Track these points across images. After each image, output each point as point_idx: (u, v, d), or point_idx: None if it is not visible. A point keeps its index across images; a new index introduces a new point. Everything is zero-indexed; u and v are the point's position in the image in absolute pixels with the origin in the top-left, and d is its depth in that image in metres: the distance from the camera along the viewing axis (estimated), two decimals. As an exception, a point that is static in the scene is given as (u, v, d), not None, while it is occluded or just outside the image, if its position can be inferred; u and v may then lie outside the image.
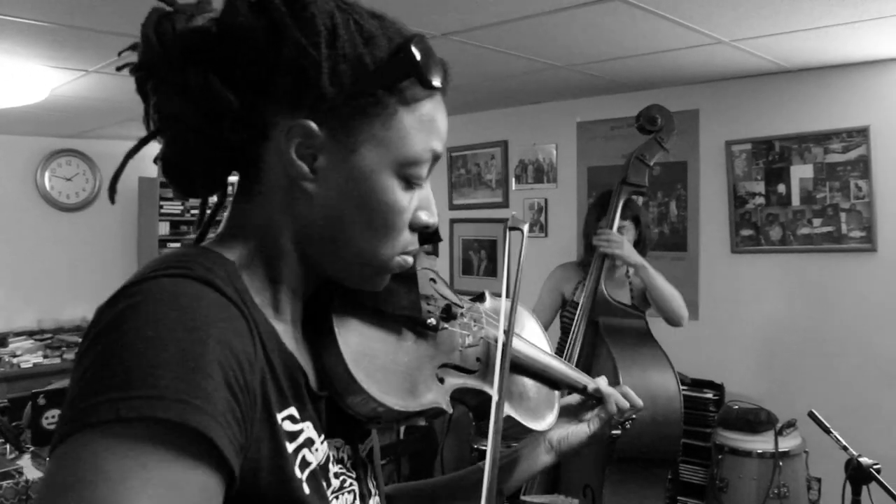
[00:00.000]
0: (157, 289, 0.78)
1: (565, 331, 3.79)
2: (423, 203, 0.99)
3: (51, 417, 3.71)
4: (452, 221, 6.15)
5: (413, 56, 0.89)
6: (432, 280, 1.17)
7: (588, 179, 5.25)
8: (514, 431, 1.26)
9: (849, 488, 2.62)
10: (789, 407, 4.10)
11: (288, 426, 0.88)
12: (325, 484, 0.95)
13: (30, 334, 6.54)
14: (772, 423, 4.03)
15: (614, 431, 1.51)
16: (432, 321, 1.09)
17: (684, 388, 4.42)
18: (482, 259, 5.93)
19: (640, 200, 4.74)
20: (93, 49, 3.63)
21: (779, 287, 4.40)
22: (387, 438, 5.18)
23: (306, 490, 0.88)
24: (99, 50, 3.64)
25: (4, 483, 3.41)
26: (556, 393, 1.37)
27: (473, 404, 1.20)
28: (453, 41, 3.57)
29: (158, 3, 0.91)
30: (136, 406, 0.69)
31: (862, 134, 4.01)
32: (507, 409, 1.20)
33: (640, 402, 1.43)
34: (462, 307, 1.20)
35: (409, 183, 0.94)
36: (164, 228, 7.08)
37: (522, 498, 3.19)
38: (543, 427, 1.26)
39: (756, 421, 4.05)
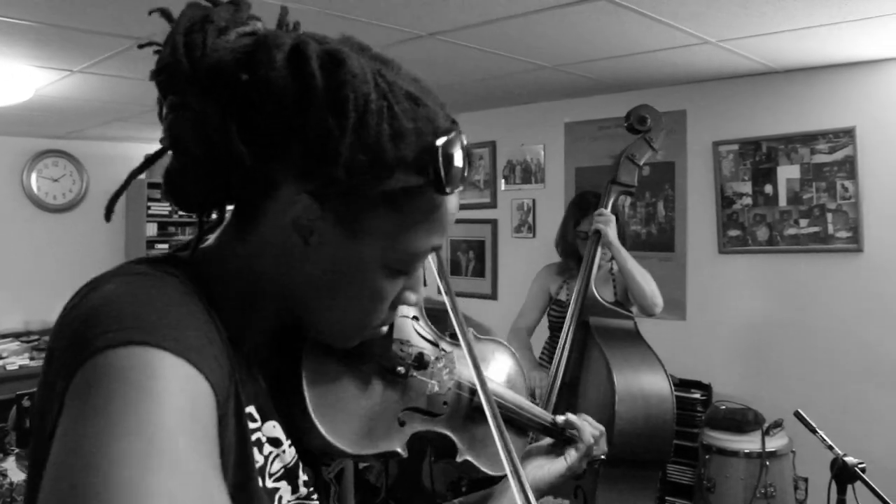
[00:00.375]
0: (125, 280, 0.81)
1: (554, 328, 3.79)
2: (411, 284, 0.98)
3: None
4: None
5: (437, 164, 0.86)
6: (414, 318, 1.17)
7: (576, 180, 5.25)
8: (474, 476, 1.26)
9: (834, 487, 2.63)
10: (776, 407, 4.10)
11: (248, 421, 0.89)
12: (290, 487, 0.96)
13: (16, 336, 6.50)
14: (759, 423, 4.03)
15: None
16: (401, 369, 1.09)
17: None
18: (470, 259, 5.93)
19: (628, 200, 4.76)
20: (78, 49, 3.62)
21: (766, 287, 4.41)
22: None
23: (257, 482, 0.88)
24: (84, 49, 3.63)
25: (-12, 485, 3.39)
26: (525, 440, 1.38)
27: (435, 445, 1.21)
28: (440, 41, 3.56)
29: None
30: (133, 335, 0.71)
31: (848, 134, 4.02)
32: (467, 456, 1.20)
33: (602, 429, 1.43)
34: (436, 353, 1.19)
35: (400, 273, 0.94)
36: (151, 229, 7.05)
37: None
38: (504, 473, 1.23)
39: (743, 421, 4.05)
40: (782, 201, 4.28)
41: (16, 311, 6.65)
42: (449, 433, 1.18)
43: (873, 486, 2.50)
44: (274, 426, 0.95)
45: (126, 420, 0.66)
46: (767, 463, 3.84)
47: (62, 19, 3.14)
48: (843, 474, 2.58)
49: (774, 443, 3.94)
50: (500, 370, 1.39)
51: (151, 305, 0.76)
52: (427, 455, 5.27)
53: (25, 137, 6.81)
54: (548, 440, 1.41)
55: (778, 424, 4.03)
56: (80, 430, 0.67)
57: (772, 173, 4.31)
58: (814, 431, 2.72)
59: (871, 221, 4.02)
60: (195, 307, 0.82)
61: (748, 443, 3.95)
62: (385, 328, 1.02)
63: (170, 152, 0.89)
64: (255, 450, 0.90)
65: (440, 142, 0.86)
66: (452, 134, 0.88)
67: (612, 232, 3.32)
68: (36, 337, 6.48)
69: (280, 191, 0.86)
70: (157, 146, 0.92)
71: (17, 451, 3.70)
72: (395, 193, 0.86)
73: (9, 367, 5.82)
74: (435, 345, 1.20)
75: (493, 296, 5.76)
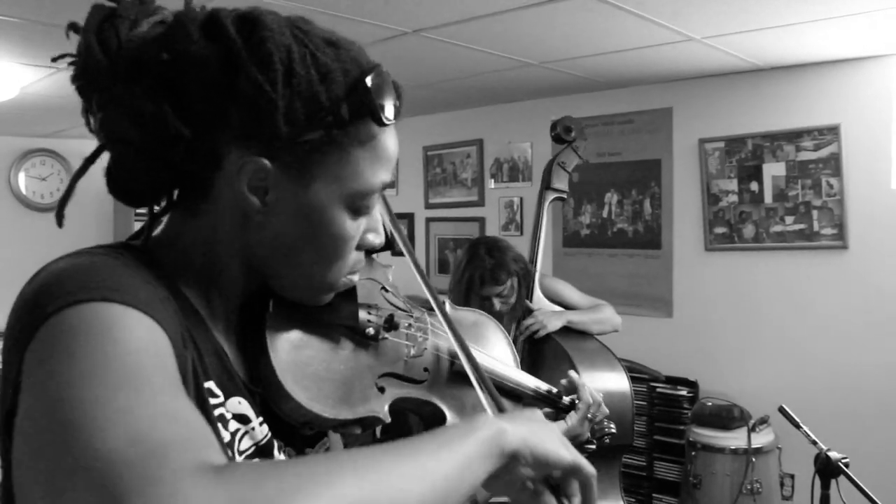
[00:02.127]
0: (73, 258, 0.83)
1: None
2: (371, 225, 1.00)
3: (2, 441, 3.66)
4: (428, 220, 6.14)
5: (369, 95, 0.89)
6: (383, 289, 1.18)
7: (563, 178, 5.25)
8: None
9: (818, 482, 2.64)
10: (762, 403, 4.12)
11: (208, 397, 0.89)
12: None
13: (2, 335, 6.47)
14: (745, 420, 4.05)
15: (589, 446, 1.51)
16: (371, 331, 1.09)
17: (659, 385, 4.46)
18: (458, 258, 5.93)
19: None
20: (63, 46, 3.59)
21: (752, 284, 4.42)
22: (364, 438, 5.16)
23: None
24: (69, 47, 3.60)
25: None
26: (519, 406, 1.35)
27: (422, 414, 1.19)
28: (426, 38, 3.56)
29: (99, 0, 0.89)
30: (81, 295, 0.74)
31: (833, 132, 4.03)
32: (457, 421, 1.19)
33: (598, 397, 1.44)
34: (409, 317, 1.18)
35: (359, 212, 0.96)
36: (139, 227, 7.03)
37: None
38: None
39: (729, 417, 4.07)
40: (768, 199, 4.29)
41: (2, 310, 6.61)
42: (434, 400, 1.16)
43: (857, 480, 2.51)
44: (239, 402, 0.95)
45: (90, 361, 0.68)
46: (754, 459, 3.86)
47: (47, 16, 3.13)
48: (827, 469, 2.59)
49: (760, 439, 3.96)
50: (482, 337, 1.37)
51: (97, 272, 0.79)
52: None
53: (12, 136, 6.79)
54: (545, 410, 1.40)
55: (764, 421, 4.05)
56: (46, 381, 0.69)
57: (757, 171, 4.32)
58: (798, 426, 2.73)
59: (855, 218, 4.03)
60: (143, 277, 0.84)
61: (734, 439, 3.97)
62: (355, 277, 1.03)
63: (106, 153, 0.92)
64: (220, 426, 0.90)
65: (368, 76, 0.90)
66: (378, 68, 0.92)
67: (556, 323, 3.17)
68: (23, 336, 6.46)
69: (226, 159, 0.88)
70: None
71: None
72: (335, 134, 0.89)
73: (-5, 367, 5.80)
74: (406, 311, 1.20)
75: (481, 294, 5.75)
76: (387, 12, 3.18)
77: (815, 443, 2.65)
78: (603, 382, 3.02)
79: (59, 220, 0.96)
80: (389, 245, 1.09)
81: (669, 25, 3.35)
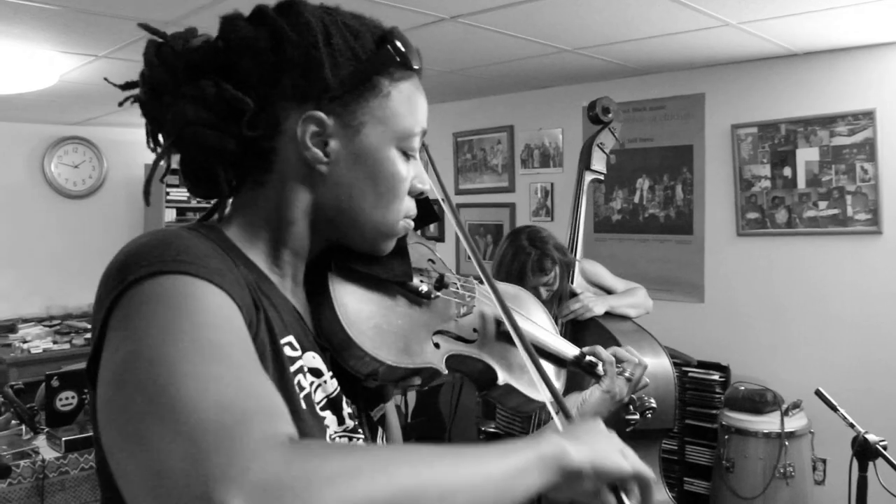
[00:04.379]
0: (153, 234, 0.91)
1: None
2: (417, 172, 1.12)
3: (64, 399, 3.74)
4: (458, 206, 6.17)
5: (396, 44, 1.04)
6: (431, 261, 1.27)
7: (594, 164, 5.26)
8: (518, 404, 1.31)
9: (855, 465, 2.66)
10: (795, 388, 4.13)
11: (288, 351, 0.98)
12: (336, 418, 1.04)
13: (38, 321, 6.57)
14: (777, 404, 4.06)
15: (631, 417, 1.55)
16: (423, 288, 1.17)
17: (691, 369, 4.47)
18: (488, 244, 5.95)
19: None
20: (103, 34, 3.65)
21: (784, 269, 4.42)
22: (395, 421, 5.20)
23: (304, 408, 0.97)
24: (109, 35, 3.66)
25: (22, 462, 3.45)
26: (563, 371, 1.43)
27: (475, 375, 1.27)
28: (462, 24, 3.58)
29: (151, 36, 1.02)
30: (160, 267, 0.83)
31: (868, 117, 4.03)
32: (508, 380, 1.26)
33: (644, 361, 1.49)
34: (457, 280, 1.27)
35: (406, 154, 1.09)
36: (170, 215, 7.08)
37: None
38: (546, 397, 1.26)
39: (762, 401, 4.08)
40: (801, 184, 4.29)
41: (37, 297, 6.73)
42: (484, 359, 1.24)
43: (895, 463, 2.53)
44: (314, 357, 1.04)
45: (175, 329, 0.76)
46: (786, 443, 3.88)
47: (90, 4, 3.18)
48: (865, 451, 2.62)
49: (793, 423, 3.97)
50: (522, 306, 1.44)
51: (174, 245, 0.87)
52: (446, 433, 5.33)
53: (45, 124, 6.87)
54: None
55: (797, 405, 4.06)
56: (131, 340, 0.77)
57: (791, 156, 4.32)
58: (835, 409, 2.75)
59: (890, 203, 4.02)
60: (215, 248, 0.92)
61: (767, 423, 3.98)
62: (410, 223, 1.13)
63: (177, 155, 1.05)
64: (301, 376, 0.99)
65: (391, 30, 1.07)
66: (396, 27, 1.08)
67: (602, 307, 3.21)
68: (57, 322, 6.55)
69: (286, 123, 1.01)
70: None
71: (46, 430, 3.76)
72: (374, 80, 1.03)
73: (33, 351, 5.89)
74: (454, 275, 1.29)
75: (510, 279, 5.78)
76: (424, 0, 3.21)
77: (852, 426, 2.67)
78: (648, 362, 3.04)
79: (147, 198, 1.08)
80: (434, 213, 1.21)
81: (706, 10, 3.35)
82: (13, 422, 3.89)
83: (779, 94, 4.37)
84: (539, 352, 1.28)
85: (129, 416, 0.70)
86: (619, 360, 1.48)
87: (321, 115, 1.00)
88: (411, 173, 1.10)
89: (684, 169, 4.80)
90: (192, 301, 0.80)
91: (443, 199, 1.22)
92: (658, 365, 3.10)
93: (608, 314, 3.15)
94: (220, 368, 0.73)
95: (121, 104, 1.09)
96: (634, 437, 3.03)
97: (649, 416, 1.52)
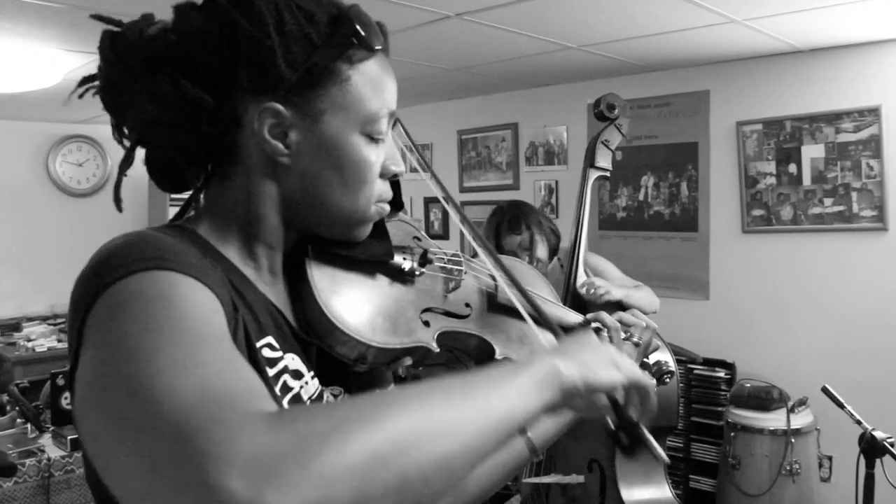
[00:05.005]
0: (126, 235, 0.89)
1: None
2: (389, 155, 1.09)
3: (70, 398, 3.74)
4: (463, 203, 6.17)
5: (353, 24, 1.00)
6: (416, 238, 1.24)
7: (598, 161, 5.25)
8: None
9: (862, 462, 2.65)
10: (800, 385, 4.13)
11: (267, 353, 0.96)
12: None
13: (43, 319, 6.58)
14: (783, 401, 4.06)
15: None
16: (407, 265, 1.15)
17: (696, 367, 4.47)
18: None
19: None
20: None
21: (790, 266, 4.42)
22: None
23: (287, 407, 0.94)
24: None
25: (27, 461, 3.45)
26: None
27: (472, 351, 1.24)
28: (467, 21, 3.58)
29: (105, 26, 1.00)
30: (137, 266, 0.81)
31: (874, 113, 4.02)
32: (507, 353, 1.22)
33: (652, 324, 1.45)
34: (443, 255, 1.24)
35: (372, 139, 1.04)
36: (174, 213, 7.08)
37: (524, 480, 3.21)
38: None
39: (768, 399, 4.08)
40: (806, 181, 4.28)
41: (42, 295, 6.73)
42: (480, 333, 1.21)
43: (902, 459, 2.53)
44: (293, 358, 1.02)
45: (153, 321, 0.75)
46: (792, 440, 3.87)
47: (95, 3, 3.17)
48: (872, 448, 2.61)
49: (799, 420, 3.96)
50: (519, 274, 1.39)
51: (149, 244, 0.85)
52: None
53: (49, 122, 6.87)
54: None
55: (802, 402, 4.06)
56: (109, 339, 0.75)
57: (796, 153, 4.31)
58: (841, 406, 2.74)
59: (896, 200, 4.02)
60: (190, 248, 0.90)
61: (773, 420, 3.97)
62: (385, 207, 1.11)
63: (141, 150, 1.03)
64: (287, 377, 0.98)
65: (348, 8, 1.02)
66: (356, 5, 1.03)
67: (614, 290, 3.23)
68: (62, 320, 6.55)
69: (245, 117, 0.98)
70: None
71: (52, 428, 3.77)
72: (331, 66, 0.99)
73: (38, 350, 5.90)
74: (440, 250, 1.26)
75: (515, 277, 5.77)
76: (429, -4, 3.21)
77: (859, 422, 2.66)
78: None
79: (118, 205, 1.06)
80: (399, 199, 1.16)
81: (712, 7, 3.34)
82: (18, 420, 3.90)
83: (784, 90, 4.36)
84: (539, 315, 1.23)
85: (112, 415, 0.69)
86: (625, 325, 1.44)
87: (278, 106, 0.97)
88: (381, 156, 1.07)
89: (689, 166, 4.79)
90: (169, 292, 0.79)
91: (430, 177, 1.21)
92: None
93: (615, 310, 3.14)
94: (198, 355, 0.72)
95: (80, 97, 1.06)
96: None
97: (667, 380, 1.49)
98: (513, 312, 1.23)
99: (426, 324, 1.13)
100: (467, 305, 1.22)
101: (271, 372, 0.95)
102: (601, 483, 3.13)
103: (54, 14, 3.34)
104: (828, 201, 4.22)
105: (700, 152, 4.74)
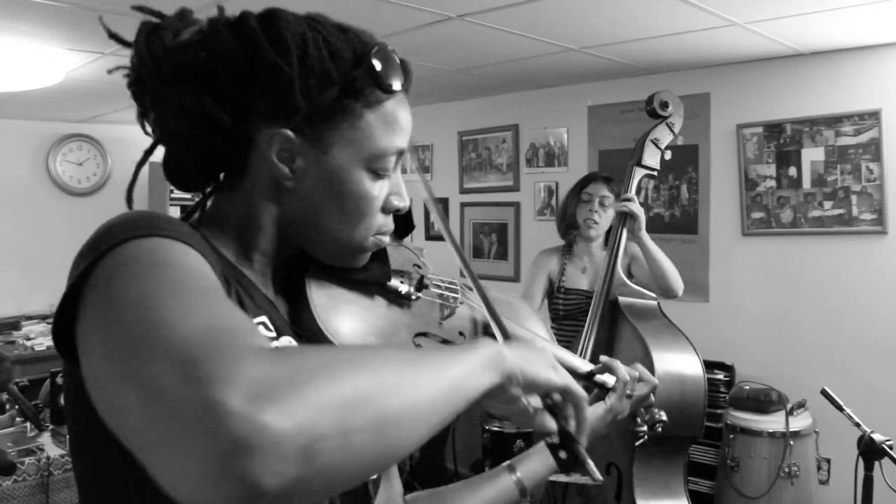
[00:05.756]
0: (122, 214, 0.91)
1: (562, 317, 3.83)
2: (394, 189, 1.11)
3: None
4: (463, 205, 6.18)
5: (372, 66, 1.02)
6: (416, 266, 1.26)
7: (599, 163, 5.27)
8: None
9: (861, 464, 2.66)
10: (799, 387, 4.13)
11: (262, 331, 0.98)
12: None
13: (42, 318, 6.58)
14: (782, 404, 4.06)
15: (640, 429, 1.52)
16: (403, 289, 1.17)
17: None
18: (493, 243, 5.96)
19: (651, 184, 4.78)
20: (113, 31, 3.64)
21: (789, 269, 4.42)
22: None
23: None
24: (116, 31, 3.65)
25: (27, 460, 3.45)
26: None
27: None
28: (468, 23, 3.59)
29: (146, 17, 1.02)
30: (135, 232, 0.83)
31: (874, 117, 4.02)
32: None
33: (654, 380, 1.44)
34: (441, 283, 1.26)
35: (378, 174, 1.07)
36: (174, 213, 7.09)
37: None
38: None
39: (767, 401, 4.08)
40: (806, 184, 4.29)
41: (41, 294, 6.72)
42: None
43: (901, 462, 2.54)
44: (290, 341, 1.04)
45: (151, 276, 0.78)
46: (791, 443, 3.87)
47: (98, 2, 3.18)
48: (871, 451, 2.62)
49: (798, 423, 3.97)
50: (514, 313, 1.39)
51: (145, 217, 0.87)
52: (450, 434, 5.33)
53: (50, 122, 6.87)
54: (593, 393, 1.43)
55: (801, 405, 4.06)
56: (110, 296, 0.77)
57: (796, 156, 4.32)
58: (840, 409, 2.75)
59: (895, 203, 4.02)
60: (188, 227, 0.92)
61: (772, 423, 3.98)
62: (385, 239, 1.13)
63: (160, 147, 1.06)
64: None
65: (373, 50, 1.03)
66: (383, 44, 1.05)
67: (643, 218, 3.35)
68: (62, 320, 6.55)
69: (257, 139, 1.02)
70: None
71: (51, 427, 3.77)
72: (345, 103, 1.02)
73: (37, 348, 5.90)
74: (437, 278, 1.28)
75: (515, 278, 5.78)
76: (432, -3, 3.22)
77: (858, 425, 2.67)
78: (676, 368, 3.04)
79: (129, 203, 1.08)
80: (410, 222, 1.20)
81: (712, 10, 3.35)
82: (18, 419, 3.90)
83: (784, 93, 4.37)
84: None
85: (121, 361, 0.71)
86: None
87: (288, 133, 1.00)
88: (384, 191, 1.09)
89: (689, 168, 4.80)
90: (165, 253, 0.82)
91: (433, 202, 1.24)
92: (689, 370, 3.09)
93: (644, 313, 3.18)
94: (199, 300, 0.75)
95: (110, 72, 1.10)
96: (662, 444, 3.05)
97: (659, 429, 1.50)
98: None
99: (418, 347, 1.15)
100: (461, 334, 1.25)
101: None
102: (618, 487, 3.14)
103: (57, 13, 3.35)
104: (827, 204, 4.23)
105: (700, 155, 4.75)
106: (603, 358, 1.38)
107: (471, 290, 1.29)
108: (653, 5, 3.31)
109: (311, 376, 0.67)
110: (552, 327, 3.93)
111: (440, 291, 1.25)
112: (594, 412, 1.36)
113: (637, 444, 1.53)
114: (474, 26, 3.65)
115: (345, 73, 1.01)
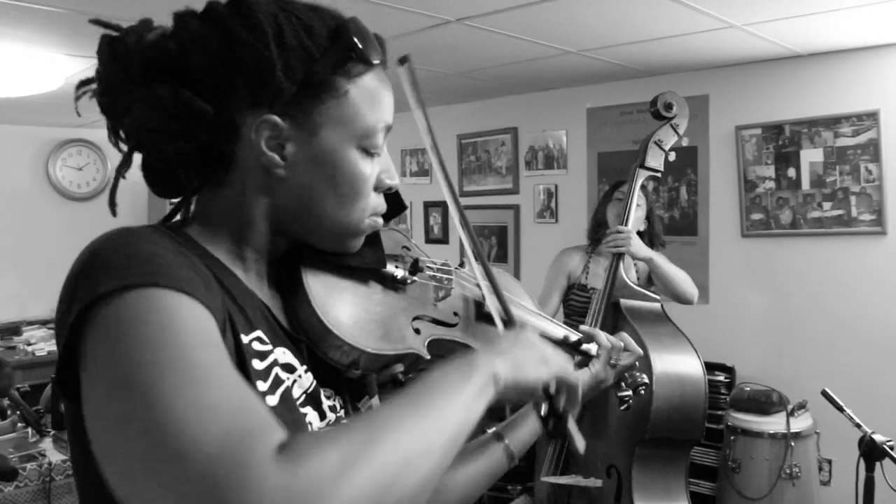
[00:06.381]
0: (109, 233, 0.89)
1: (575, 313, 3.83)
2: (384, 167, 1.10)
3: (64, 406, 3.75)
4: (463, 208, 6.15)
5: (351, 37, 1.01)
6: (405, 248, 1.26)
7: (598, 165, 5.27)
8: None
9: (862, 465, 2.66)
10: (800, 389, 4.14)
11: (257, 346, 0.97)
12: (317, 413, 1.04)
13: (43, 323, 6.58)
14: (783, 405, 4.06)
15: (624, 394, 1.55)
16: (399, 273, 1.17)
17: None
18: (492, 245, 5.96)
19: (651, 186, 4.79)
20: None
21: (789, 270, 4.43)
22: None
23: (276, 402, 0.96)
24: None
25: (28, 465, 3.45)
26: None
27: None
28: (467, 26, 3.59)
29: (104, 31, 1.00)
30: (129, 280, 0.81)
31: (872, 118, 4.03)
32: None
33: (638, 350, 1.49)
34: (433, 264, 1.27)
35: (368, 152, 1.06)
36: (174, 217, 7.10)
37: (543, 479, 3.22)
38: None
39: (767, 402, 4.09)
40: (805, 185, 4.30)
41: (41, 299, 6.72)
42: (468, 342, 1.23)
43: (902, 463, 2.54)
44: (284, 352, 1.02)
45: (159, 357, 0.75)
46: (792, 444, 3.88)
47: (97, 7, 3.18)
48: (872, 451, 2.62)
49: (799, 424, 3.97)
50: (509, 287, 1.41)
51: (141, 250, 0.85)
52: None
53: (49, 127, 6.88)
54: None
55: (802, 406, 4.07)
56: (120, 381, 0.76)
57: (795, 157, 4.33)
58: (841, 410, 2.75)
59: (894, 204, 4.02)
60: (179, 249, 0.91)
61: (773, 424, 3.98)
62: (379, 220, 1.12)
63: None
64: (278, 370, 0.99)
65: (348, 22, 1.02)
66: (355, 18, 1.04)
67: (637, 247, 3.37)
68: (62, 324, 6.55)
69: (243, 128, 0.99)
70: None
71: (53, 432, 3.77)
72: (329, 80, 1.00)
73: (38, 353, 5.90)
74: (430, 259, 1.29)
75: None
76: (431, 1, 3.21)
77: (858, 426, 2.67)
78: (676, 370, 3.05)
79: (113, 209, 1.06)
80: (401, 204, 1.19)
81: (711, 12, 3.36)
82: (19, 424, 3.90)
83: (783, 95, 4.38)
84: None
85: (133, 462, 0.71)
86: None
87: (275, 118, 0.98)
88: (376, 170, 1.08)
89: (688, 170, 4.80)
90: (171, 321, 0.79)
91: (445, 180, 1.23)
92: (689, 373, 3.10)
93: (645, 314, 3.19)
94: (211, 392, 0.74)
95: (77, 99, 1.06)
96: (663, 448, 3.05)
97: (642, 391, 1.53)
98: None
99: (417, 331, 1.16)
100: (455, 314, 1.25)
101: (262, 365, 0.96)
102: (617, 489, 3.14)
103: (56, 19, 3.35)
104: (827, 205, 4.23)
105: (699, 156, 4.75)
106: (583, 328, 1.44)
107: (459, 267, 1.31)
108: (651, 8, 3.31)
109: (331, 484, 0.68)
110: (565, 322, 3.93)
111: (433, 274, 1.25)
112: (580, 377, 1.40)
113: (622, 408, 1.56)
114: (473, 29, 3.65)
115: (323, 49, 0.99)
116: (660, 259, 3.53)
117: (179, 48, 0.96)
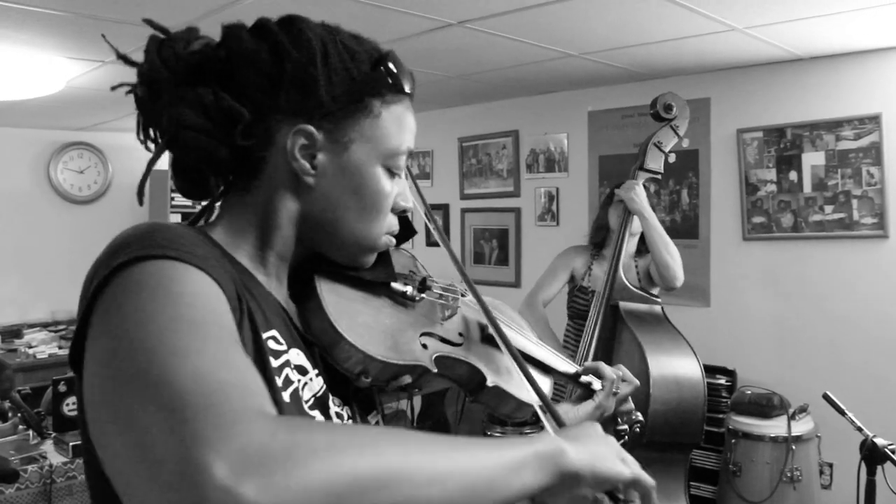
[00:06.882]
0: (139, 225, 0.92)
1: (578, 315, 3.83)
2: (401, 190, 1.17)
3: (71, 404, 3.75)
4: (463, 211, 6.18)
5: (390, 67, 1.09)
6: (411, 271, 1.30)
7: (599, 168, 5.28)
8: (510, 409, 1.32)
9: (864, 468, 2.66)
10: (801, 392, 4.13)
11: (272, 344, 0.99)
12: (322, 416, 1.05)
13: (44, 326, 6.58)
14: (784, 408, 4.06)
15: (621, 428, 1.57)
16: (408, 290, 1.21)
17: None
18: (493, 248, 5.96)
19: (651, 188, 4.79)
20: (110, 39, 3.64)
21: (790, 274, 4.42)
22: (399, 426, 5.20)
23: (287, 400, 0.97)
24: (117, 40, 3.63)
25: (29, 467, 3.45)
26: (550, 379, 1.47)
27: (464, 379, 1.28)
28: (468, 29, 3.59)
29: (153, 32, 1.04)
30: (147, 252, 0.84)
31: (874, 121, 4.03)
32: (497, 382, 1.27)
33: (635, 381, 1.54)
34: (440, 285, 1.31)
35: (391, 172, 1.12)
36: (175, 220, 7.10)
37: None
38: (534, 399, 1.25)
39: (769, 406, 4.08)
40: (807, 188, 4.29)
41: (43, 302, 6.73)
42: (472, 361, 1.26)
43: (903, 466, 2.53)
44: (298, 353, 1.05)
45: (155, 309, 0.78)
46: (793, 447, 3.87)
47: (98, 10, 3.19)
48: (873, 455, 2.62)
49: (800, 427, 3.97)
50: (504, 315, 1.46)
51: (159, 233, 0.88)
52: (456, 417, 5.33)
53: (51, 130, 6.88)
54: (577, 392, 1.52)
55: (803, 409, 4.06)
56: (114, 326, 0.79)
57: (796, 160, 4.33)
58: (842, 413, 2.75)
59: (896, 207, 4.03)
60: (202, 240, 0.95)
61: (774, 427, 3.98)
62: (392, 240, 1.17)
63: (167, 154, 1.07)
64: (288, 370, 1.01)
65: (388, 53, 1.11)
66: (393, 52, 1.12)
67: (637, 197, 3.37)
68: (63, 326, 6.56)
69: (277, 135, 1.04)
70: None
71: (54, 435, 3.77)
72: (366, 101, 1.07)
73: (39, 356, 5.89)
74: (437, 280, 1.33)
75: (516, 284, 5.79)
76: (432, 4, 3.22)
77: (860, 429, 2.67)
78: (674, 373, 3.04)
79: (140, 198, 1.07)
80: (411, 228, 1.24)
81: (713, 15, 3.36)
82: (20, 427, 3.90)
83: (784, 98, 4.38)
84: (525, 358, 1.31)
85: (113, 398, 0.72)
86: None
87: (311, 129, 1.04)
88: (395, 190, 1.14)
89: (690, 173, 4.80)
90: (174, 282, 0.82)
91: (425, 213, 1.27)
92: (687, 376, 3.09)
93: (645, 319, 3.19)
94: (198, 343, 0.75)
95: (113, 88, 1.11)
96: (662, 451, 3.04)
97: (637, 429, 1.56)
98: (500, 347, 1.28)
99: (424, 346, 1.19)
100: (460, 334, 1.29)
101: (274, 364, 0.98)
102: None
103: (58, 22, 3.35)
104: (828, 208, 4.23)
105: (701, 160, 4.75)
106: (587, 364, 1.50)
107: (464, 296, 1.34)
108: (653, 11, 3.32)
109: (308, 455, 0.65)
110: (567, 325, 3.94)
111: (440, 292, 1.30)
112: (584, 409, 1.46)
113: (619, 443, 1.57)
114: (474, 32, 3.66)
115: (364, 74, 1.07)
116: (656, 222, 3.53)
117: (229, 57, 1.03)
